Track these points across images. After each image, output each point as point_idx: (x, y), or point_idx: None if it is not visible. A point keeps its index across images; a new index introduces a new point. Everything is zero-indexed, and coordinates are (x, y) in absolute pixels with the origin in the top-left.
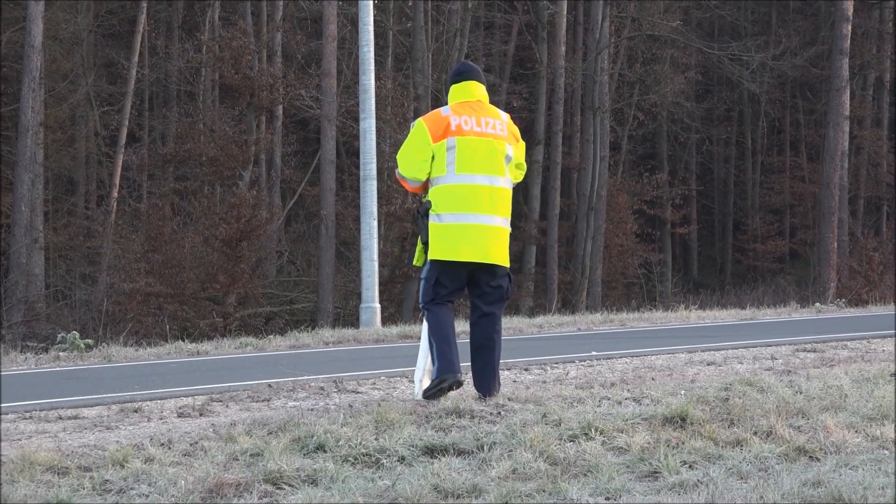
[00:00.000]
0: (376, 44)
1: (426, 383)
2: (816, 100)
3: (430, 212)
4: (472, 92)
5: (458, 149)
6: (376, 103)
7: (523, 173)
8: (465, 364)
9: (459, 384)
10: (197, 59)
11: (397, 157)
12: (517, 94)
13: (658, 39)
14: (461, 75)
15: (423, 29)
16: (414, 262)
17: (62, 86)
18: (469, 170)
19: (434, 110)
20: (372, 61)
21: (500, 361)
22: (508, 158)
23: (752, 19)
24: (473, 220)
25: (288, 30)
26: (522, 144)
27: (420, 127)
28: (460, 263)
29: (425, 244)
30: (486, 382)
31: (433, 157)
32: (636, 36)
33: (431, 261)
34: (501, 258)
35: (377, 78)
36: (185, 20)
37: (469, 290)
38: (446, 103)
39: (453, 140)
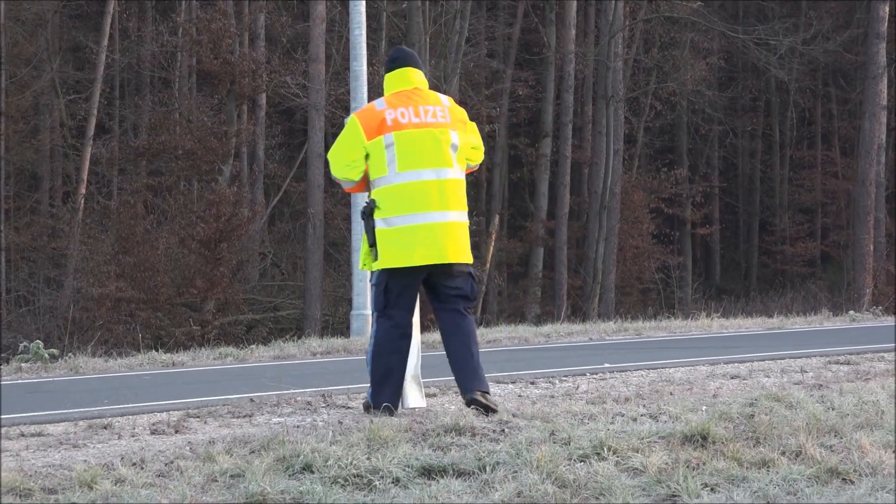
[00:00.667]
0: (369, 26)
1: (412, 390)
2: (851, 88)
3: (376, 216)
4: (408, 79)
5: (397, 145)
6: (368, 91)
7: (480, 153)
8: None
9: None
10: (172, 42)
11: (328, 156)
12: (523, 82)
13: (677, 22)
14: (395, 62)
15: (419, 10)
16: (360, 267)
17: (24, 72)
18: (412, 166)
19: (368, 104)
20: (364, 45)
21: (502, 374)
22: (455, 146)
23: (781, 0)
24: (424, 219)
25: (272, 11)
26: (472, 125)
27: (352, 123)
28: (418, 272)
29: (372, 247)
30: (472, 384)
31: (368, 156)
32: (653, 18)
33: (399, 271)
34: (460, 255)
35: (370, 64)
36: (159, 0)
37: (427, 295)
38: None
39: (391, 136)
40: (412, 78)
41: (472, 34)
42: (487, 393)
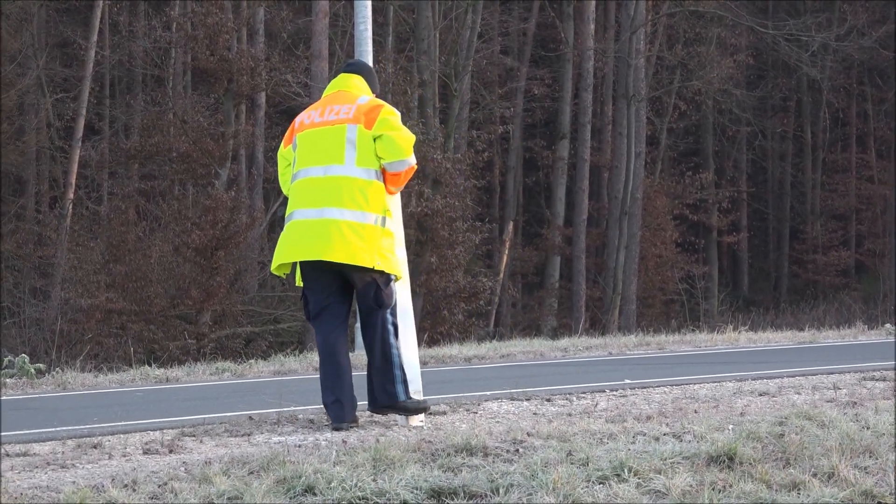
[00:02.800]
0: (375, 21)
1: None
2: (888, 87)
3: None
4: (333, 84)
5: (298, 146)
6: None
7: (392, 145)
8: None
9: (336, 429)
10: (166, 38)
11: None
12: (538, 80)
13: (703, 16)
14: (337, 72)
15: (429, 4)
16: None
17: (9, 69)
18: (303, 164)
19: None
20: (370, 41)
21: (517, 390)
22: (351, 141)
23: None
24: (301, 215)
25: (271, 5)
26: (388, 120)
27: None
28: (314, 271)
29: None
30: (369, 398)
31: (290, 165)
32: (677, 12)
33: (301, 275)
34: (344, 254)
35: (376, 61)
36: None
37: None
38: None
39: (296, 139)
40: (337, 83)
41: (485, 29)
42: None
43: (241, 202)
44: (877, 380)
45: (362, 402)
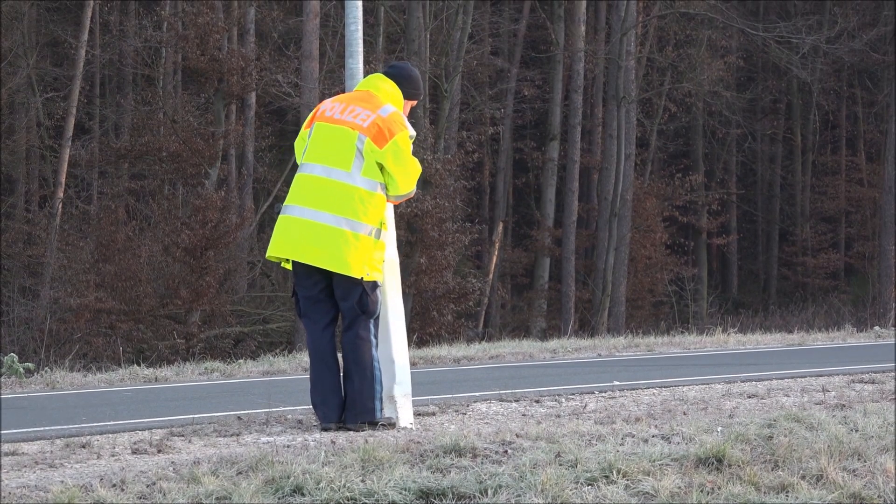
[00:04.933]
0: (365, 21)
1: (404, 409)
2: (877, 90)
3: None
4: (366, 82)
5: (312, 135)
6: None
7: (394, 180)
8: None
9: (324, 429)
10: (156, 37)
11: None
12: (529, 81)
13: (693, 18)
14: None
15: (419, 5)
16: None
17: None
18: (311, 158)
19: None
20: (360, 42)
21: (506, 391)
22: (359, 151)
23: None
24: (295, 212)
25: (262, 5)
26: (394, 146)
27: None
28: (304, 269)
29: None
30: (346, 411)
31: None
32: (668, 14)
33: (292, 269)
34: (332, 262)
35: (366, 61)
36: None
37: None
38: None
39: (313, 126)
40: (370, 81)
41: (476, 30)
42: (349, 427)
43: (230, 202)
44: (865, 382)
45: None
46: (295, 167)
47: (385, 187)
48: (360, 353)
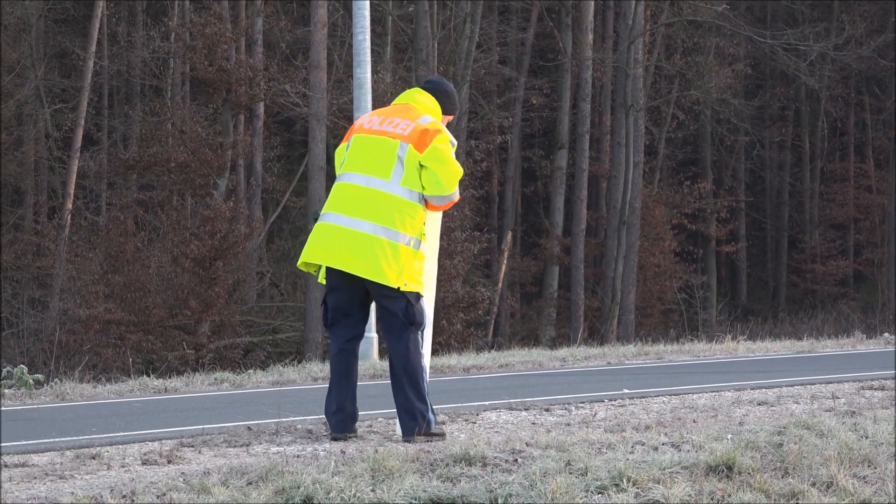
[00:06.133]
0: (373, 31)
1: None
2: (886, 97)
3: None
4: (405, 96)
5: (350, 147)
6: (373, 100)
7: (436, 181)
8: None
9: (334, 439)
10: (164, 48)
11: None
12: (537, 90)
13: (701, 26)
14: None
15: (427, 14)
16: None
17: (7, 79)
18: (350, 168)
19: None
20: (368, 51)
21: (515, 400)
22: (400, 160)
23: (811, 3)
24: (332, 219)
25: (270, 15)
26: (434, 147)
27: None
28: (339, 278)
29: None
30: (401, 425)
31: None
32: (676, 22)
33: (325, 278)
34: (371, 271)
35: (374, 71)
36: (150, 4)
37: None
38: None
39: (351, 139)
40: (409, 95)
41: (483, 39)
42: (407, 439)
43: (239, 212)
44: (875, 389)
45: (363, 413)
46: (304, 178)
47: (423, 198)
48: (412, 365)
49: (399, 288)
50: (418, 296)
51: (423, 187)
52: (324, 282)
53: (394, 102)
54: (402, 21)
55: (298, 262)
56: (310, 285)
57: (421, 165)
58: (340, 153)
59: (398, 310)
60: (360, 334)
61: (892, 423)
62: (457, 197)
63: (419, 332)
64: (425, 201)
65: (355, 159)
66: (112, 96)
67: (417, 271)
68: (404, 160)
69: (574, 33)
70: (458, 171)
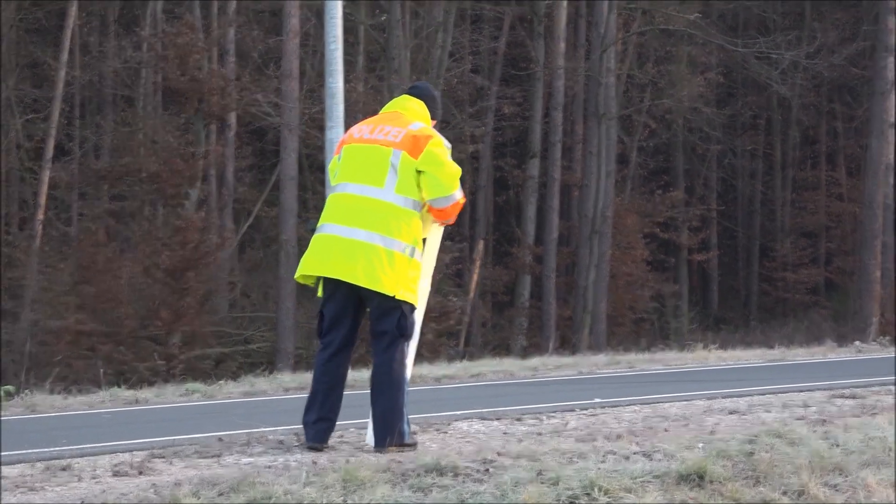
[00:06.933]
0: (346, 40)
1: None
2: (857, 105)
3: None
4: (392, 104)
5: (343, 158)
6: (346, 110)
7: (436, 182)
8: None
9: (311, 449)
10: (136, 58)
11: None
12: (509, 99)
13: (673, 34)
14: (401, 92)
15: (399, 23)
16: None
17: None
18: (344, 178)
19: None
20: (341, 61)
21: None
22: (394, 167)
23: (783, 11)
24: (329, 230)
25: (242, 24)
26: (428, 151)
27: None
28: (336, 289)
29: None
30: (374, 434)
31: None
32: (648, 30)
33: (322, 289)
34: (367, 279)
35: (347, 80)
36: (122, 13)
37: None
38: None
39: (343, 150)
40: (397, 103)
41: (456, 48)
42: (378, 449)
43: (211, 222)
44: (846, 397)
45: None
46: (276, 188)
47: (418, 205)
48: (394, 376)
49: (395, 297)
50: (413, 307)
51: (425, 192)
52: (318, 291)
53: (382, 111)
54: (375, 30)
55: (296, 275)
56: (282, 295)
57: (418, 171)
58: (334, 166)
59: (391, 320)
60: (351, 344)
61: (864, 432)
62: (461, 197)
63: (406, 344)
64: (426, 209)
65: (348, 169)
66: (84, 106)
67: (413, 280)
68: (398, 167)
69: (546, 42)
70: (457, 170)
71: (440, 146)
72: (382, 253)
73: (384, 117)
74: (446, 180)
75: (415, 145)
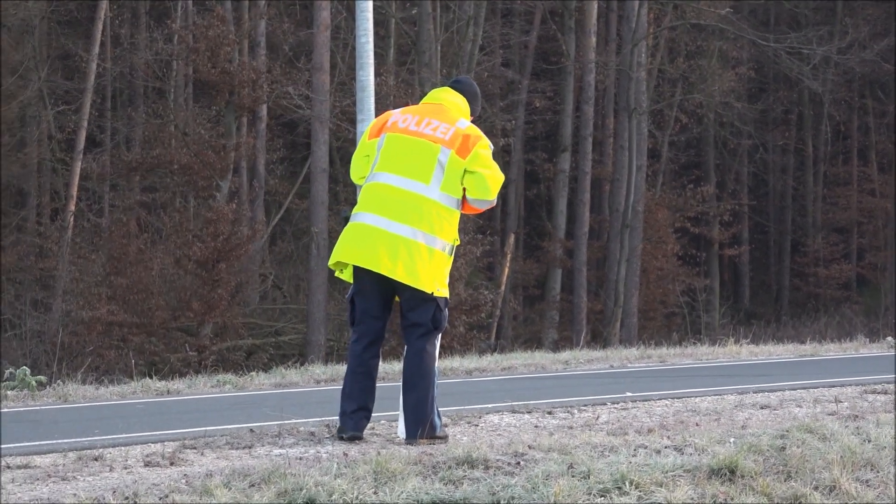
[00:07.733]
0: (376, 33)
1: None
2: (889, 100)
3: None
4: (436, 96)
5: (384, 146)
6: (376, 103)
7: (483, 185)
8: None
9: (351, 439)
10: (167, 50)
11: None
12: (540, 93)
13: (704, 29)
14: (445, 85)
15: (430, 16)
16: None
17: (10, 81)
18: (387, 168)
19: None
20: (371, 54)
21: (518, 403)
22: (441, 165)
23: (814, 6)
24: (370, 220)
25: (273, 17)
26: (481, 156)
27: (367, 127)
28: (370, 279)
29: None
30: (406, 426)
31: (369, 157)
32: (679, 25)
33: (354, 278)
34: (405, 275)
35: (377, 73)
36: (153, 6)
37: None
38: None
39: (384, 137)
40: (440, 95)
41: (486, 42)
42: (410, 441)
43: (242, 214)
44: (878, 393)
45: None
46: (307, 180)
47: (460, 203)
48: (426, 367)
49: (433, 293)
50: (447, 301)
51: (469, 192)
52: (350, 279)
53: (423, 101)
54: (406, 23)
55: (330, 262)
56: (313, 287)
57: (466, 171)
58: (364, 149)
59: (426, 313)
60: (383, 335)
61: (894, 427)
62: (496, 202)
63: (437, 337)
64: (462, 205)
65: (391, 160)
66: (115, 98)
67: (447, 276)
68: (445, 165)
69: (577, 36)
70: (501, 177)
71: (487, 148)
72: (424, 250)
73: (428, 108)
74: (493, 185)
75: (464, 145)
